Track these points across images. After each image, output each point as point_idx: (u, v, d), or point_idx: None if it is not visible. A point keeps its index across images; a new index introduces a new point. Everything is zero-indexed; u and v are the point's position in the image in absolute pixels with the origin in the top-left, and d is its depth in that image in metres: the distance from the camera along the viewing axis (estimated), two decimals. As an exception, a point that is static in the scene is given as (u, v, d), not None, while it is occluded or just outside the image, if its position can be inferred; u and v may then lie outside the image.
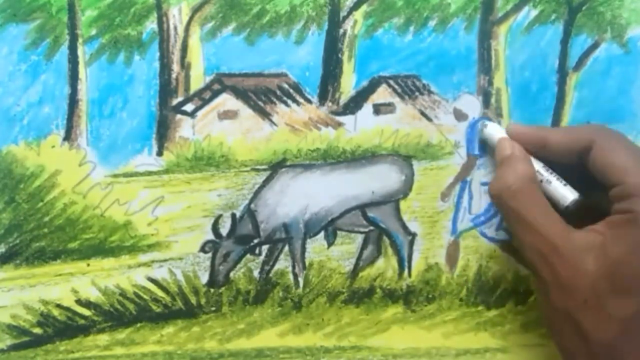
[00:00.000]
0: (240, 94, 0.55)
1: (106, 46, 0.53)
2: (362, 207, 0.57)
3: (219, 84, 0.55)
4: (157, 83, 0.54)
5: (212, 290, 0.56)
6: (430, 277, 0.58)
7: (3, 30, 0.52)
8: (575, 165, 0.51)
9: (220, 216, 0.55)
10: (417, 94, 0.56)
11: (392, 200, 0.57)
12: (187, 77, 0.55)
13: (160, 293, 0.56)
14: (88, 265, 0.55)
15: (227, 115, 0.55)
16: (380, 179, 0.57)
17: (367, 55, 0.56)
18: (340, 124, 0.56)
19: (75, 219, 0.54)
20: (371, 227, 0.57)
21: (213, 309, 0.56)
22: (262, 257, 0.56)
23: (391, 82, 0.56)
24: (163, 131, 0.55)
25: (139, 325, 0.56)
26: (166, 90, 0.54)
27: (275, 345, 0.57)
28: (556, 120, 0.57)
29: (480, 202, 0.57)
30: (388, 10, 0.55)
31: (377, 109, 0.56)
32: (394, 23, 0.56)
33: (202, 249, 0.56)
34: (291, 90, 0.55)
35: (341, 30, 0.55)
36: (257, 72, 0.55)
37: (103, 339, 0.56)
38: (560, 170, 0.52)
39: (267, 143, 0.56)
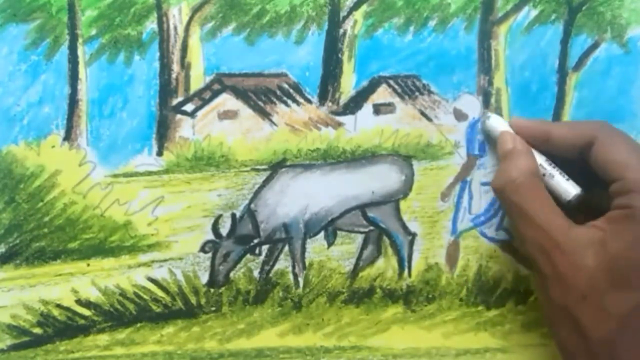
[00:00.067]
0: (240, 94, 0.55)
1: (106, 46, 0.53)
2: (362, 207, 0.57)
3: (219, 84, 0.55)
4: (157, 83, 0.54)
5: (212, 290, 0.56)
6: (430, 277, 0.58)
7: (3, 30, 0.52)
8: (577, 160, 0.51)
9: (220, 216, 0.55)
10: (417, 94, 0.56)
11: (392, 200, 0.57)
12: (187, 77, 0.55)
13: (160, 293, 0.56)
14: (88, 265, 0.55)
15: (227, 115, 0.55)
16: (380, 179, 0.57)
17: (367, 55, 0.56)
18: (340, 124, 0.56)
19: (75, 219, 0.54)
20: (371, 227, 0.57)
21: (213, 309, 0.56)
22: (262, 257, 0.56)
23: (391, 82, 0.56)
24: (163, 131, 0.55)
25: (139, 325, 0.56)
26: (166, 90, 0.54)
27: (275, 345, 0.57)
28: (556, 120, 0.57)
29: (480, 202, 0.57)
30: (388, 10, 0.55)
31: (377, 109, 0.56)
32: (394, 23, 0.56)
33: (202, 249, 0.56)
34: (291, 90, 0.55)
35: (341, 30, 0.55)
36: (257, 72, 0.55)
37: (103, 339, 0.56)
38: (563, 165, 0.52)
39: (267, 143, 0.56)
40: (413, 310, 0.58)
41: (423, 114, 0.57)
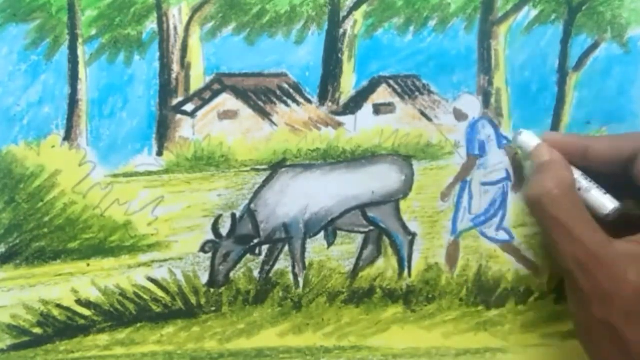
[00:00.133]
0: (240, 94, 0.55)
1: (106, 46, 0.53)
2: (362, 207, 0.57)
3: (219, 84, 0.55)
4: (157, 83, 0.54)
5: (212, 290, 0.56)
6: (430, 277, 0.58)
7: (3, 30, 0.52)
8: (613, 174, 0.51)
9: (220, 216, 0.55)
10: (417, 94, 0.56)
11: (392, 200, 0.57)
12: (187, 77, 0.55)
13: (160, 293, 0.56)
14: (88, 265, 0.55)
15: (227, 115, 0.55)
16: (380, 179, 0.57)
17: (367, 55, 0.56)
18: (340, 124, 0.56)
19: (75, 219, 0.54)
20: (371, 227, 0.57)
21: (213, 309, 0.56)
22: (262, 257, 0.56)
23: (391, 82, 0.56)
24: (163, 131, 0.55)
25: (139, 325, 0.56)
26: (166, 90, 0.54)
27: (275, 345, 0.57)
28: (556, 121, 0.57)
29: (480, 202, 0.57)
30: (388, 10, 0.55)
31: (377, 109, 0.56)
32: (394, 23, 0.56)
33: (202, 249, 0.56)
34: (291, 90, 0.55)
35: (341, 30, 0.55)
36: (257, 72, 0.55)
37: (103, 339, 0.56)
38: (598, 179, 0.52)
39: (267, 143, 0.56)
40: (413, 310, 0.58)
41: (423, 114, 0.57)
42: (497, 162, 0.57)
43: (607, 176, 0.51)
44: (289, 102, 0.55)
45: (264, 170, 0.56)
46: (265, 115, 0.55)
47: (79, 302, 0.55)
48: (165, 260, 0.55)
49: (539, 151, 0.52)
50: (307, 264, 0.57)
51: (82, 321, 0.55)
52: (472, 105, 0.57)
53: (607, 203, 0.51)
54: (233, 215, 0.56)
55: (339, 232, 0.57)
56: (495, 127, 0.57)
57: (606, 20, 0.57)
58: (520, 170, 0.57)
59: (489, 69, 0.56)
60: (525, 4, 0.56)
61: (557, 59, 0.57)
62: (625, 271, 0.46)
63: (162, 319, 0.56)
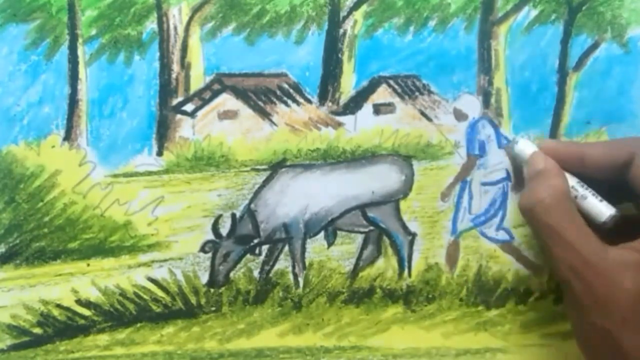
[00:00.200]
0: (240, 94, 0.55)
1: (106, 46, 0.53)
2: (362, 207, 0.57)
3: (219, 84, 0.55)
4: (157, 83, 0.54)
5: (212, 290, 0.56)
6: (430, 277, 0.58)
7: (3, 30, 0.52)
8: (609, 181, 0.50)
9: (220, 216, 0.55)
10: (417, 94, 0.56)
11: (392, 200, 0.57)
12: (187, 77, 0.55)
13: (160, 293, 0.56)
14: (88, 265, 0.55)
15: (227, 115, 0.55)
16: (380, 179, 0.57)
17: (367, 55, 0.56)
18: (340, 124, 0.56)
19: (75, 219, 0.54)
20: (371, 227, 0.57)
21: (213, 309, 0.56)
22: (262, 257, 0.56)
23: (391, 82, 0.56)
24: (163, 131, 0.55)
25: (139, 325, 0.56)
26: (166, 90, 0.54)
27: (275, 345, 0.57)
28: (556, 121, 0.57)
29: (480, 202, 0.57)
30: (388, 10, 0.55)
31: (377, 109, 0.56)
32: (394, 23, 0.56)
33: (202, 249, 0.56)
34: (291, 90, 0.55)
35: (341, 30, 0.55)
36: (257, 72, 0.55)
37: (103, 339, 0.56)
38: (594, 185, 0.51)
39: (267, 143, 0.56)
40: (413, 310, 0.58)
41: (423, 114, 0.57)
42: (497, 162, 0.57)
43: (604, 182, 0.51)
44: (289, 102, 0.55)
45: (264, 170, 0.56)
46: (265, 115, 0.55)
47: (79, 302, 0.55)
48: (165, 260, 0.55)
49: (533, 159, 0.52)
50: (307, 264, 0.57)
51: (82, 321, 0.55)
52: (472, 105, 0.57)
53: (603, 210, 0.50)
54: (233, 215, 0.56)
55: (339, 232, 0.57)
56: (495, 127, 0.57)
57: (606, 20, 0.57)
58: (519, 171, 0.57)
59: (489, 69, 0.56)
60: (525, 4, 0.56)
61: (557, 59, 0.57)
62: (621, 278, 0.46)
63: (162, 319, 0.56)
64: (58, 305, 0.55)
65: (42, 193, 0.54)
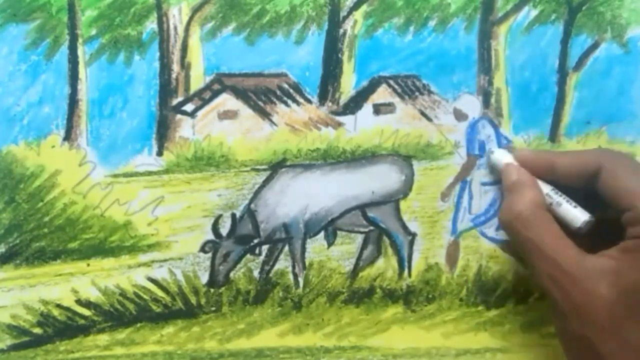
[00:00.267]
0: (240, 94, 0.55)
1: (106, 46, 0.53)
2: (362, 207, 0.57)
3: (219, 84, 0.55)
4: (157, 83, 0.54)
5: (212, 290, 0.56)
6: (430, 277, 0.58)
7: (3, 30, 0.52)
8: (582, 188, 0.51)
9: (220, 216, 0.55)
10: (417, 94, 0.56)
11: (392, 200, 0.57)
12: (187, 77, 0.55)
13: (160, 293, 0.56)
14: (88, 265, 0.55)
15: (227, 115, 0.55)
16: (380, 179, 0.57)
17: (367, 55, 0.56)
18: (340, 124, 0.56)
19: (75, 219, 0.54)
20: (371, 227, 0.57)
21: (213, 309, 0.56)
22: (262, 257, 0.56)
23: (391, 82, 0.56)
24: (163, 131, 0.55)
25: (139, 325, 0.56)
26: (166, 90, 0.54)
27: (275, 345, 0.57)
28: (556, 120, 0.57)
29: (480, 202, 0.57)
30: (388, 10, 0.55)
31: (377, 109, 0.56)
32: (394, 23, 0.56)
33: (202, 249, 0.56)
34: (291, 90, 0.55)
35: (341, 30, 0.55)
36: (257, 72, 0.55)
37: (103, 339, 0.56)
38: (572, 192, 0.52)
39: (267, 143, 0.56)
40: (413, 310, 0.58)
41: (423, 114, 0.57)
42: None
43: (579, 190, 0.51)
44: (289, 102, 0.55)
45: (264, 170, 0.56)
46: (265, 115, 0.55)
47: (79, 302, 0.55)
48: (165, 260, 0.55)
49: (507, 171, 0.53)
50: (307, 264, 0.57)
51: (82, 321, 0.55)
52: (472, 105, 0.57)
53: (578, 216, 0.51)
54: (233, 215, 0.56)
55: (339, 232, 0.57)
56: (495, 127, 0.57)
57: (606, 20, 0.57)
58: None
59: (489, 69, 0.56)
60: (525, 4, 0.56)
61: (557, 59, 0.57)
62: (598, 286, 0.47)
63: (162, 319, 0.56)
64: (58, 305, 0.55)
65: (42, 193, 0.54)
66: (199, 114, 0.55)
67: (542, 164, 0.52)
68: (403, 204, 0.57)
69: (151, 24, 0.54)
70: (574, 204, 0.51)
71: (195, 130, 0.55)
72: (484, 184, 0.57)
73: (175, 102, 0.55)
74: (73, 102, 0.53)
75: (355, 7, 0.55)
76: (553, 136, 0.57)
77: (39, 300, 0.55)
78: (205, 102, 0.55)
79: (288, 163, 0.56)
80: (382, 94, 0.56)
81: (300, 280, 0.57)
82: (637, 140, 0.58)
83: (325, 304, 0.57)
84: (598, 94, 0.57)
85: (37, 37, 0.53)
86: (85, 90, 0.53)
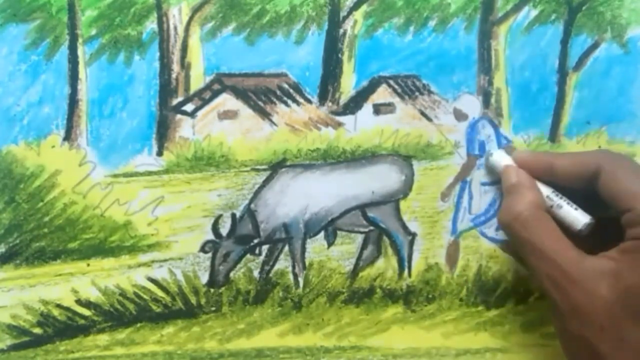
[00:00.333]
0: (240, 94, 0.55)
1: (106, 46, 0.53)
2: (362, 207, 0.57)
3: (219, 84, 0.55)
4: (157, 83, 0.54)
5: (212, 290, 0.56)
6: (430, 277, 0.58)
7: (3, 30, 0.52)
8: (585, 189, 0.51)
9: (220, 216, 0.55)
10: (417, 94, 0.56)
11: (392, 200, 0.57)
12: (187, 77, 0.55)
13: (160, 293, 0.56)
14: (88, 265, 0.55)
15: (227, 115, 0.55)
16: (380, 179, 0.57)
17: (367, 55, 0.56)
18: (340, 124, 0.56)
19: (75, 219, 0.54)
20: (371, 227, 0.57)
21: (213, 309, 0.56)
22: (262, 257, 0.56)
23: (391, 82, 0.56)
24: (163, 131, 0.55)
25: (139, 325, 0.56)
26: (166, 90, 0.54)
27: (275, 345, 0.57)
28: (556, 121, 0.57)
29: (480, 202, 0.57)
30: (388, 10, 0.55)
31: (377, 109, 0.56)
32: (394, 23, 0.56)
33: (202, 249, 0.56)
34: (291, 90, 0.55)
35: (341, 30, 0.55)
36: (257, 72, 0.55)
37: (103, 339, 0.56)
38: (572, 193, 0.52)
39: (267, 143, 0.56)
40: (413, 310, 0.58)
41: (423, 114, 0.57)
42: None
43: (579, 191, 0.51)
44: (289, 102, 0.55)
45: (264, 170, 0.56)
46: (265, 115, 0.55)
47: (79, 302, 0.55)
48: (165, 260, 0.55)
49: (506, 173, 0.53)
50: (307, 264, 0.57)
51: (82, 321, 0.55)
52: (472, 105, 0.57)
53: (579, 218, 0.51)
54: (233, 215, 0.56)
55: (339, 232, 0.57)
56: (495, 127, 0.57)
57: (606, 20, 0.57)
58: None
59: (489, 69, 0.56)
60: (525, 4, 0.56)
61: (557, 59, 0.57)
62: (597, 287, 0.47)
63: (162, 319, 0.56)
64: (58, 305, 0.55)
65: (42, 193, 0.54)
66: (199, 114, 0.55)
67: (541, 166, 0.53)
68: (403, 204, 0.57)
69: (151, 24, 0.54)
70: (574, 206, 0.51)
71: (195, 130, 0.55)
72: (483, 184, 0.57)
73: (175, 102, 0.55)
74: (73, 102, 0.53)
75: (355, 7, 0.55)
76: (553, 136, 0.57)
77: (39, 300, 0.55)
78: (205, 102, 0.55)
79: (288, 163, 0.56)
80: (382, 94, 0.56)
81: (300, 280, 0.57)
82: (637, 140, 0.58)
83: (325, 304, 0.57)
84: (598, 94, 0.57)
85: (37, 37, 0.53)
86: (85, 90, 0.53)
